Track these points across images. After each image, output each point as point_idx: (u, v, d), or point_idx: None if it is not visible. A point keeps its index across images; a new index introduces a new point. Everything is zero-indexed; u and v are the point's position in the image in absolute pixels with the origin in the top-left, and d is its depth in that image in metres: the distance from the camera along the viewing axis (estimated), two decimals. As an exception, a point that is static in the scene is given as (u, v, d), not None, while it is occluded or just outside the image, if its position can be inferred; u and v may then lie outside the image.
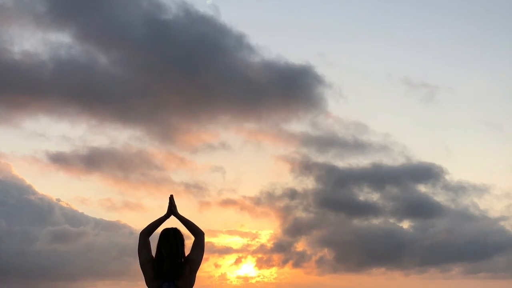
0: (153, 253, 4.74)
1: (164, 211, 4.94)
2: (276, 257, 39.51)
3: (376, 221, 41.11)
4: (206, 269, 37.51)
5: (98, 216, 45.55)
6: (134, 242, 4.81)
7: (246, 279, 39.35)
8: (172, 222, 4.88)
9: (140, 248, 4.77)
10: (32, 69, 36.81)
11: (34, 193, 45.69)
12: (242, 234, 42.63)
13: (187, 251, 4.75)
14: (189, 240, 4.80)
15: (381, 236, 39.90)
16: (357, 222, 41.69)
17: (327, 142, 42.51)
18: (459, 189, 40.59)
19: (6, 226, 41.06)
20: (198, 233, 4.85)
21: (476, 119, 54.13)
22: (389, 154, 42.25)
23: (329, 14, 53.15)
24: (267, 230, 42.07)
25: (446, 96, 51.60)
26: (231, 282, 39.08)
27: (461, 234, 39.97)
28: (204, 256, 4.83)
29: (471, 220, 40.47)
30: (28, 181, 46.50)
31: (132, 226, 43.89)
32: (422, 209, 40.42)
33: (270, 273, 39.67)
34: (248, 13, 53.20)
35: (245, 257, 40.03)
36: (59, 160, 41.44)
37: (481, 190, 40.96)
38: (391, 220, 41.11)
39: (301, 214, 40.89)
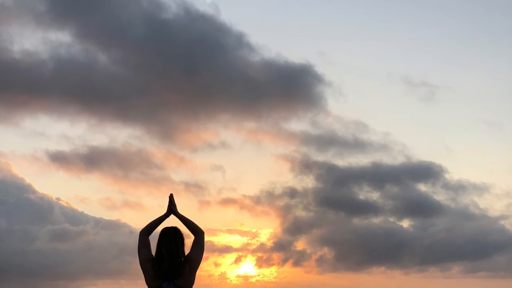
0: (153, 252, 4.73)
1: (164, 210, 4.94)
2: (276, 256, 39.54)
3: (376, 220, 41.14)
4: (206, 268, 37.53)
5: (98, 215, 45.57)
6: (134, 241, 4.81)
7: (246, 278, 39.38)
8: (172, 221, 4.88)
9: (140, 247, 4.76)
10: (32, 68, 36.83)
11: (34, 192, 45.71)
12: (242, 233, 42.66)
13: (187, 250, 4.74)
14: (189, 239, 4.80)
15: (381, 235, 39.93)
16: (357, 221, 41.72)
17: (327, 141, 42.53)
18: (459, 188, 40.61)
19: (6, 225, 41.08)
20: (198, 232, 4.84)
21: (476, 118, 54.13)
22: (389, 153, 42.28)
23: (329, 13, 53.14)
24: (267, 229, 42.10)
25: (446, 95, 51.55)
26: (231, 281, 39.12)
27: (461, 233, 40.00)
28: (204, 255, 4.83)
29: (471, 219, 40.50)
30: (28, 180, 46.51)
31: (132, 225, 43.90)
32: (422, 208, 40.44)
33: (270, 272, 39.71)
34: (248, 12, 53.20)
35: (245, 256, 40.06)
36: (59, 159, 41.45)
37: (481, 189, 40.98)
38: (391, 219, 41.13)
39: (301, 213, 40.92)
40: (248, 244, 41.15)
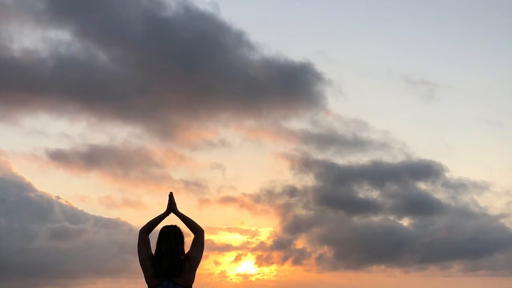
0: (153, 250, 4.72)
1: (163, 209, 4.92)
2: (275, 254, 39.54)
3: (376, 219, 41.14)
4: (206, 267, 37.54)
5: (97, 214, 45.55)
6: (134, 240, 4.79)
7: (246, 276, 39.40)
8: (172, 220, 4.86)
9: (139, 246, 4.75)
10: (32, 66, 36.79)
11: (34, 190, 45.70)
12: (242, 232, 42.66)
13: (186, 249, 4.73)
14: (188, 237, 4.79)
15: (381, 233, 39.93)
16: (357, 220, 41.72)
17: (327, 139, 42.50)
18: (459, 186, 40.60)
19: (6, 224, 41.08)
20: (197, 231, 4.83)
21: (476, 116, 54.10)
22: (389, 151, 42.26)
23: (329, 11, 53.11)
24: (267, 228, 42.11)
25: (446, 93, 51.50)
26: (231, 279, 39.14)
27: (461, 231, 39.99)
28: (204, 253, 4.82)
29: (471, 218, 40.49)
30: (28, 178, 46.49)
31: (132, 223, 43.90)
32: (422, 206, 40.43)
33: (269, 271, 39.71)
34: (247, 10, 53.16)
35: (245, 255, 40.06)
36: (59, 157, 41.43)
37: (481, 187, 40.97)
38: (391, 218, 41.13)
39: (300, 211, 40.91)
40: (248, 242, 41.18)
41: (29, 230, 41.41)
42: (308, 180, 41.14)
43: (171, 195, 4.94)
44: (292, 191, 40.64)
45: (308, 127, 43.28)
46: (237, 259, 39.75)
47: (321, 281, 40.41)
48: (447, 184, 40.64)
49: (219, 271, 39.36)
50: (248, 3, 54.84)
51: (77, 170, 42.01)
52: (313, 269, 39.90)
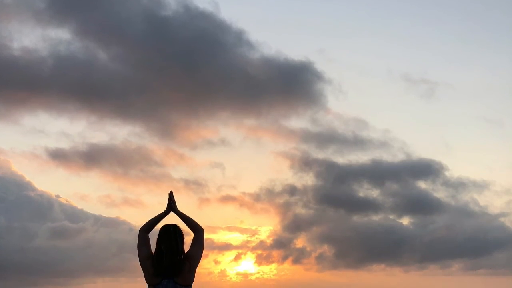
0: (153, 249, 4.71)
1: (163, 208, 4.91)
2: (275, 253, 39.54)
3: (376, 218, 41.13)
4: (206, 266, 37.55)
5: (97, 213, 45.53)
6: (134, 239, 4.78)
7: (245, 275, 39.40)
8: (172, 219, 4.85)
9: (139, 245, 4.74)
10: (31, 65, 36.76)
11: (34, 189, 45.68)
12: (242, 231, 42.65)
13: (186, 248, 4.72)
14: (188, 236, 4.78)
15: (381, 232, 39.93)
16: (357, 219, 41.72)
17: (327, 138, 42.48)
18: (459, 185, 40.60)
19: (6, 223, 41.06)
20: (197, 230, 4.82)
21: (476, 115, 54.12)
22: (389, 150, 42.24)
23: (329, 10, 53.07)
24: (267, 227, 42.10)
25: (446, 92, 51.48)
26: (231, 278, 39.14)
27: (461, 230, 39.99)
28: (204, 252, 4.81)
29: (471, 217, 40.49)
30: (28, 177, 46.47)
31: (132, 222, 43.89)
32: (422, 205, 40.42)
33: (269, 270, 39.71)
34: (247, 9, 53.10)
35: (245, 254, 40.06)
36: (59, 156, 41.42)
37: (481, 186, 40.97)
38: (391, 217, 41.13)
39: (300, 210, 40.91)
40: (247, 241, 41.17)
41: (29, 229, 41.41)
42: (308, 179, 41.15)
43: (171, 194, 4.93)
44: (292, 190, 40.65)
45: (308, 126, 43.30)
46: (237, 258, 39.77)
47: (321, 280, 40.45)
48: (447, 183, 40.66)
49: (219, 270, 39.38)
50: (248, 2, 54.81)
51: (77, 169, 42.02)
52: (313, 268, 39.93)
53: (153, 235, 4.76)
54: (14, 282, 40.15)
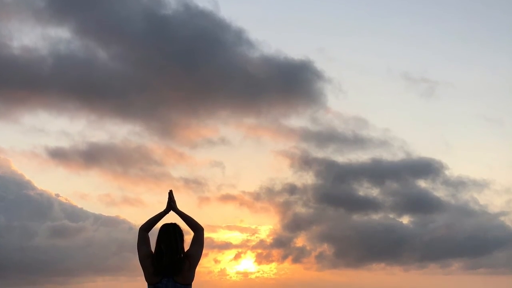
0: (153, 248, 4.70)
1: (163, 207, 4.91)
2: (275, 252, 39.56)
3: (376, 217, 41.14)
4: (206, 265, 37.56)
5: (97, 212, 45.55)
6: (134, 238, 4.78)
7: (245, 274, 39.41)
8: (172, 218, 4.85)
9: (139, 244, 4.74)
10: (31, 64, 36.77)
11: (33, 188, 45.69)
12: (242, 230, 42.67)
13: (186, 247, 4.71)
14: (188, 235, 4.77)
15: (381, 231, 39.93)
16: (357, 218, 41.73)
17: (327, 137, 42.49)
18: (459, 184, 40.61)
19: (5, 222, 41.06)
20: (197, 229, 4.81)
21: (476, 114, 54.14)
22: (389, 149, 42.25)
23: (329, 9, 53.06)
24: (267, 226, 42.11)
25: (446, 91, 51.56)
26: (231, 277, 39.15)
27: (461, 229, 40.00)
28: (204, 251, 4.80)
29: (471, 216, 40.50)
30: (27, 176, 46.50)
31: (132, 221, 43.91)
32: (422, 204, 40.43)
33: (269, 269, 39.73)
34: (247, 8, 53.09)
35: (245, 253, 40.07)
36: (58, 155, 41.45)
37: (481, 185, 40.98)
38: (391, 216, 41.14)
39: (300, 209, 40.92)
40: (247, 240, 41.18)
41: (29, 228, 41.42)
42: (308, 178, 41.17)
43: (170, 193, 4.92)
44: (292, 189, 40.66)
45: (308, 125, 43.31)
46: (237, 257, 39.78)
47: (321, 279, 40.47)
48: (447, 182, 40.66)
49: (219, 269, 39.39)
50: (248, 0, 54.82)
51: (77, 168, 42.05)
52: (313, 267, 39.95)
53: (153, 234, 4.75)
54: (14, 281, 40.16)
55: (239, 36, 38.89)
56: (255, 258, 39.46)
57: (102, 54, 37.96)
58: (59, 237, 42.48)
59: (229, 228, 43.06)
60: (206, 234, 4.86)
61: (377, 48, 54.66)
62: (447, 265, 40.78)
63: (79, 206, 46.35)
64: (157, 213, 4.88)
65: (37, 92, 38.96)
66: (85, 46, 37.55)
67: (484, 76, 53.22)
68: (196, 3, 39.97)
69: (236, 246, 40.87)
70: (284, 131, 42.72)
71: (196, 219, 4.86)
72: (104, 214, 45.36)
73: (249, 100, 41.91)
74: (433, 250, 39.63)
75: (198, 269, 4.73)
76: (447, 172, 40.93)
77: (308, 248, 39.62)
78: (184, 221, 4.86)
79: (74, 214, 44.80)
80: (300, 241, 39.95)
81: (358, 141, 42.33)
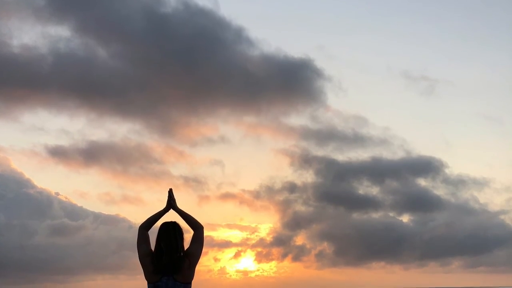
0: (152, 247, 4.70)
1: (163, 205, 4.91)
2: (275, 251, 39.64)
3: (376, 215, 41.24)
4: (206, 263, 37.64)
5: (97, 210, 45.69)
6: (133, 236, 4.77)
7: (245, 273, 39.49)
8: (171, 216, 4.85)
9: (139, 242, 4.74)
10: (31, 62, 36.82)
11: (33, 186, 45.73)
12: (242, 228, 42.77)
13: (186, 245, 4.71)
14: (188, 234, 4.77)
15: (381, 230, 40.00)
16: (357, 216, 41.84)
17: (327, 135, 42.62)
18: (459, 182, 40.72)
19: (5, 220, 41.10)
20: (197, 227, 4.81)
21: (476, 112, 54.35)
22: (389, 147, 42.42)
23: (329, 7, 53.11)
24: (267, 224, 42.22)
25: (446, 89, 51.83)
26: (231, 276, 39.24)
27: (461, 228, 40.07)
28: (204, 250, 4.80)
29: (471, 214, 40.57)
30: (27, 174, 46.61)
31: (131, 219, 44.01)
32: (422, 202, 40.49)
33: (269, 267, 39.81)
34: (247, 6, 53.19)
35: (245, 251, 40.16)
36: (58, 153, 41.55)
37: (481, 183, 41.12)
38: (391, 214, 41.23)
39: (300, 207, 41.01)
40: (247, 239, 41.28)
41: (29, 226, 41.46)
42: (307, 176, 41.31)
43: (170, 192, 4.92)
44: (291, 188, 40.76)
45: (308, 123, 43.47)
46: (237, 255, 39.87)
47: (321, 278, 40.53)
48: (447, 181, 40.75)
49: (219, 268, 39.50)
50: (248, -1, 54.69)
51: (77, 166, 42.15)
52: (312, 265, 40.05)
53: (153, 233, 4.75)
54: (13, 279, 40.20)
55: (239, 34, 39.00)
56: (255, 257, 39.54)
57: (102, 52, 38.05)
58: (59, 236, 42.56)
59: (229, 226, 43.15)
60: (206, 233, 4.86)
61: (377, 46, 54.80)
62: (447, 264, 40.89)
63: (79, 204, 46.46)
64: (157, 211, 4.89)
65: (37, 90, 39.03)
66: (85, 44, 37.66)
67: (484, 74, 53.38)
68: (195, 2, 40.09)
69: (236, 245, 40.98)
70: (284, 129, 42.83)
71: (196, 218, 4.86)
72: (103, 212, 45.51)
73: (249, 98, 41.98)
74: (433, 248, 39.71)
75: (198, 267, 4.74)
76: (447, 171, 41.11)
77: (308, 246, 39.73)
78: (184, 219, 4.86)
79: (74, 212, 44.88)
80: (300, 239, 40.05)
81: (358, 140, 42.48)
